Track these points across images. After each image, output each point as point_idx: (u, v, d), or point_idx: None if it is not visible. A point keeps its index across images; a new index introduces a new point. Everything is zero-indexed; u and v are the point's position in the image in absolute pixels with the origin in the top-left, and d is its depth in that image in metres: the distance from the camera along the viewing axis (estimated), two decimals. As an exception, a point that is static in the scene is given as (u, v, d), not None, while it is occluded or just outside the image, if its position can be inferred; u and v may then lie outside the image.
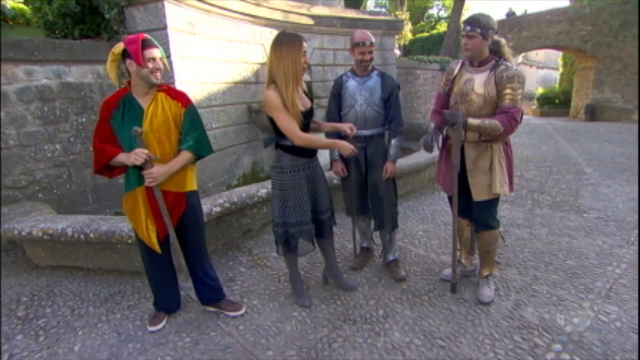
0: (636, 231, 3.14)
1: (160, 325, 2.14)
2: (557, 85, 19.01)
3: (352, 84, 2.49)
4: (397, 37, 9.22)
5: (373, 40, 2.39)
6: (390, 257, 2.69)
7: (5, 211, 3.13)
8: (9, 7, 5.40)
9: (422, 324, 2.07)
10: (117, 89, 1.92)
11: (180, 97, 1.94)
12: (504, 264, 2.68)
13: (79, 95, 3.67)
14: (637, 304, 2.14)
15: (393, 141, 2.49)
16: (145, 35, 1.84)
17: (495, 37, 2.12)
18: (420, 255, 2.89)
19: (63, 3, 3.96)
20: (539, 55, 26.63)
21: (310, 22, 5.65)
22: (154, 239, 1.94)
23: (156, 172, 1.82)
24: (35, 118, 3.42)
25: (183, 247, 2.05)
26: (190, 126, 1.93)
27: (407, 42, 15.12)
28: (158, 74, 1.84)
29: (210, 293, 2.21)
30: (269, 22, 5.12)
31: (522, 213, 3.69)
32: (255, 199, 3.23)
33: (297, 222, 2.08)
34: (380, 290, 2.42)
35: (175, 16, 3.78)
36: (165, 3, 3.67)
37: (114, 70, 1.87)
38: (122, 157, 1.83)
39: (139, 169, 1.83)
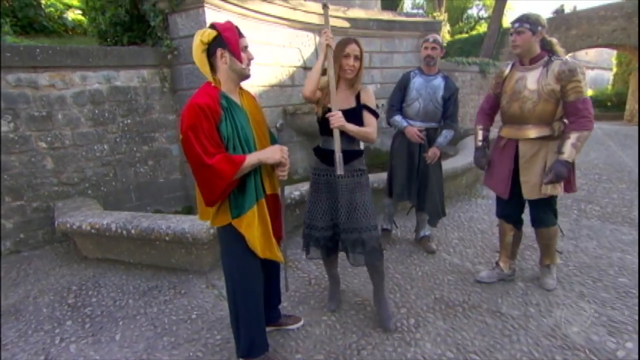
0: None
1: None
2: (609, 87, 17.68)
3: (418, 80, 2.78)
4: (434, 38, 8.97)
5: (438, 38, 2.74)
6: (422, 233, 3.07)
7: (59, 205, 3.40)
8: (69, 18, 5.90)
9: (455, 336, 2.00)
10: (200, 88, 1.51)
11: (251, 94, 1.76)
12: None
13: (126, 98, 3.91)
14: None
15: (444, 131, 2.77)
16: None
17: (546, 36, 2.12)
18: (454, 264, 2.79)
19: (114, 12, 4.25)
20: (589, 54, 24.86)
21: (347, 25, 5.63)
22: (277, 250, 1.68)
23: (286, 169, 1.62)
24: (87, 120, 3.68)
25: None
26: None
27: (445, 44, 14.71)
28: (250, 65, 1.59)
29: (274, 312, 2.03)
30: (304, 26, 5.18)
31: (566, 223, 3.45)
32: (288, 200, 3.27)
33: (308, 225, 2.06)
34: (412, 299, 2.36)
35: (214, 21, 3.92)
36: (206, 9, 3.82)
37: (207, 63, 1.51)
38: (255, 158, 1.51)
39: (257, 171, 1.58)
